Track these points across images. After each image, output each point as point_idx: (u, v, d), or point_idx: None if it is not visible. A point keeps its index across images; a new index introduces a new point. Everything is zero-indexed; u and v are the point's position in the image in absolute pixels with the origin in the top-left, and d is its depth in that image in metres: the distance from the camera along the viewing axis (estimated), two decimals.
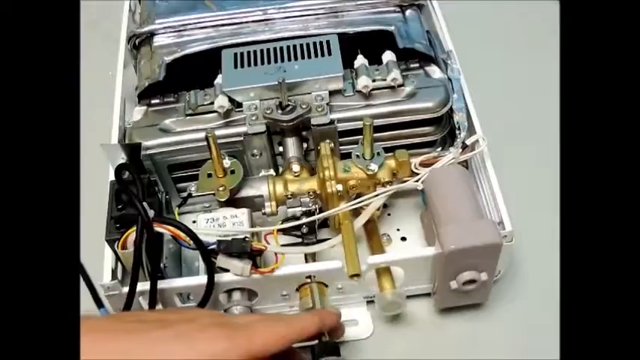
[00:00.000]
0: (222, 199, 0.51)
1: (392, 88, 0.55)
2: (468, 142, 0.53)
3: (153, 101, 0.57)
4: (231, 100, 0.54)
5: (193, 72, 0.57)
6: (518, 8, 0.76)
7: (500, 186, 0.52)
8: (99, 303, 0.50)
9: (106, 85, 0.67)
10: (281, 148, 0.56)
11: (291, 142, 0.55)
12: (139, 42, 0.61)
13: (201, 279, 0.47)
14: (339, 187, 0.51)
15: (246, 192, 0.53)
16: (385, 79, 0.55)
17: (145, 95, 0.57)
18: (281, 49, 0.55)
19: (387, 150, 0.53)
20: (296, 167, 0.54)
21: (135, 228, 0.45)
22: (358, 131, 0.52)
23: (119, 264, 0.50)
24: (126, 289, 0.47)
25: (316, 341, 0.46)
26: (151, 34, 0.60)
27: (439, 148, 0.57)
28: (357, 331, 0.53)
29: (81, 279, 0.51)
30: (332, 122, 0.54)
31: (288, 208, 0.52)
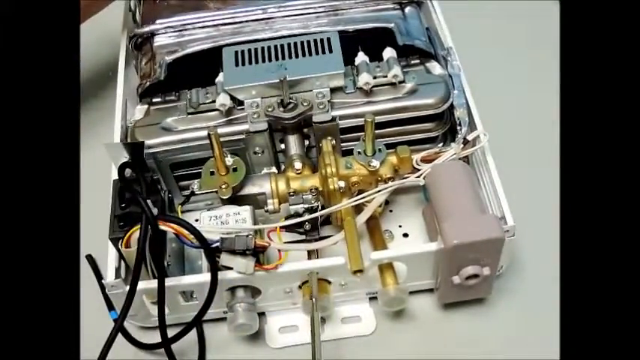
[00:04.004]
0: (225, 197, 0.51)
1: (393, 84, 0.55)
2: (469, 137, 0.53)
3: (154, 100, 0.57)
4: (232, 98, 0.54)
5: (194, 71, 0.57)
6: (518, 8, 0.76)
7: (501, 181, 0.52)
8: (110, 305, 0.50)
9: (106, 85, 0.68)
10: (283, 146, 0.56)
11: (292, 140, 0.55)
12: (140, 42, 0.61)
13: (205, 277, 0.48)
14: (341, 183, 0.51)
15: (249, 189, 0.53)
16: (386, 76, 0.55)
17: (146, 95, 0.58)
18: (282, 46, 0.55)
19: (388, 146, 0.53)
20: (298, 164, 0.54)
21: (139, 226, 0.45)
22: (359, 128, 0.52)
23: (123, 262, 0.50)
24: None
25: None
26: (152, 34, 0.60)
27: (440, 144, 0.58)
28: (360, 327, 0.53)
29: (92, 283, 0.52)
30: (334, 119, 0.54)
31: (290, 205, 0.52)
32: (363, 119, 0.50)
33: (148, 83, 0.57)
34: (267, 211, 0.53)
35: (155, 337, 0.49)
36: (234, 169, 0.52)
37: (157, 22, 0.60)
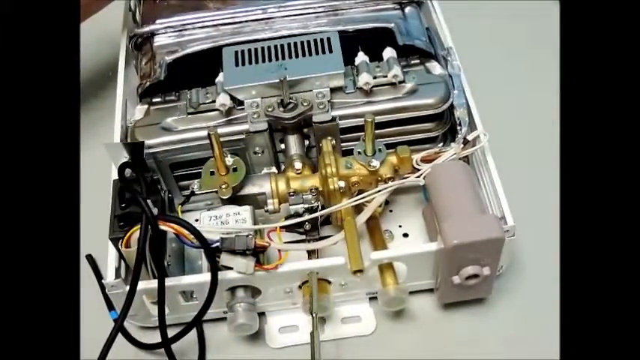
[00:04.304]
0: (225, 197, 0.51)
1: (393, 84, 0.55)
2: (469, 137, 0.53)
3: (154, 100, 0.57)
4: (232, 98, 0.54)
5: (194, 71, 0.57)
6: (518, 8, 0.76)
7: (501, 181, 0.52)
8: (110, 305, 0.50)
9: (106, 85, 0.68)
10: (283, 146, 0.56)
11: (292, 140, 0.55)
12: (140, 42, 0.61)
13: (205, 277, 0.48)
14: (341, 183, 0.51)
15: (249, 189, 0.53)
16: (386, 76, 0.55)
17: (146, 95, 0.58)
18: (282, 46, 0.55)
19: (388, 146, 0.53)
20: (298, 164, 0.54)
21: (139, 226, 0.45)
22: (359, 128, 0.52)
23: (123, 262, 0.50)
24: None
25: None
26: (152, 34, 0.60)
27: (440, 144, 0.58)
28: (360, 327, 0.53)
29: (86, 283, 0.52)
30: (334, 119, 0.54)
31: (290, 205, 0.52)
32: (363, 119, 0.50)
33: (148, 83, 0.57)
34: (267, 211, 0.53)
35: (155, 337, 0.49)
36: (234, 169, 0.52)
37: (157, 22, 0.60)
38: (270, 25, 0.59)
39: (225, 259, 0.47)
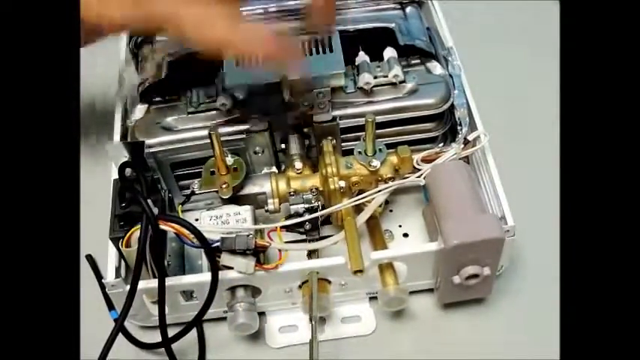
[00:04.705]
0: (225, 197, 0.51)
1: (393, 84, 0.55)
2: (470, 137, 0.53)
3: (155, 99, 0.57)
4: (233, 97, 0.54)
5: (195, 70, 0.57)
6: (518, 7, 0.76)
7: (501, 181, 0.52)
8: (110, 305, 0.50)
9: (106, 85, 0.68)
10: (283, 146, 0.56)
11: (293, 140, 0.55)
12: (140, 41, 0.61)
13: (205, 276, 0.48)
14: (342, 183, 0.51)
15: (249, 189, 0.53)
16: (387, 76, 0.55)
17: (146, 94, 0.57)
18: None
19: (388, 146, 0.53)
20: (298, 164, 0.54)
21: (139, 226, 0.45)
22: (360, 128, 0.52)
23: (123, 262, 0.50)
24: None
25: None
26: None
27: (441, 144, 0.58)
28: (360, 327, 0.53)
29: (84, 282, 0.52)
30: (334, 119, 0.54)
31: (290, 205, 0.52)
32: (363, 119, 0.50)
33: (148, 82, 0.57)
34: (267, 210, 0.53)
35: (155, 337, 0.49)
36: (235, 169, 0.52)
37: None
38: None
39: (225, 258, 0.47)
